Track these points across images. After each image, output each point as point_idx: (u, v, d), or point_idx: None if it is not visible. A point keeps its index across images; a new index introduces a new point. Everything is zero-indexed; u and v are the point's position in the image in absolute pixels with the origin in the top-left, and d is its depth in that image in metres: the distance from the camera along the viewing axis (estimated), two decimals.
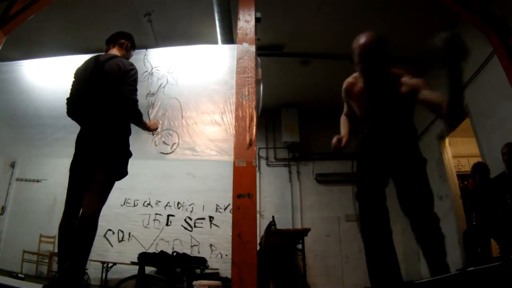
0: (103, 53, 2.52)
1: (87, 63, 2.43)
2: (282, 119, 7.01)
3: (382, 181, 2.26)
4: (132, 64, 2.39)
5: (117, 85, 2.29)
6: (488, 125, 4.29)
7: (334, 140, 2.33)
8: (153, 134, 2.75)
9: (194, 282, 3.83)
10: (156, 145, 2.77)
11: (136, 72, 2.37)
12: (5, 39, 3.35)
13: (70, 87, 2.41)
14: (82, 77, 2.36)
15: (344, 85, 2.42)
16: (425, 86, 2.13)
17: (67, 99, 2.39)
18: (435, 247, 2.07)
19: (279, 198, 6.77)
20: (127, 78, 2.30)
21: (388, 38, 2.21)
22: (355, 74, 2.37)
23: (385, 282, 2.07)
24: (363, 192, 2.28)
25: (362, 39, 2.15)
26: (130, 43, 2.60)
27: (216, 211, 6.60)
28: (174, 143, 2.77)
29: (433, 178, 5.30)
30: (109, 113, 2.27)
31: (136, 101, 2.34)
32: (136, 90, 2.35)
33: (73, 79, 2.43)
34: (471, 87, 4.58)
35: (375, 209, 2.20)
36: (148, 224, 6.46)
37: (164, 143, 2.77)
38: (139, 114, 2.39)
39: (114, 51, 2.50)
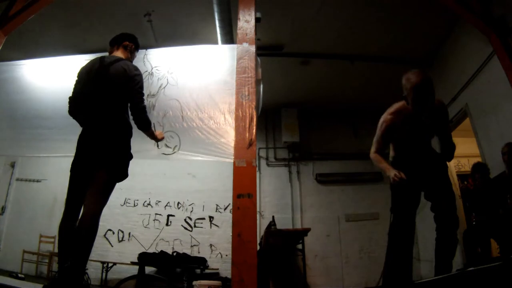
0: (107, 55, 2.53)
1: (91, 63, 2.43)
2: (282, 119, 7.00)
3: (416, 196, 2.51)
4: (137, 69, 2.40)
5: (121, 88, 2.30)
6: (488, 125, 4.29)
7: (394, 176, 2.35)
8: (158, 146, 2.76)
9: (194, 282, 3.84)
10: (158, 148, 2.78)
11: (141, 78, 2.39)
12: (5, 39, 3.36)
13: (73, 86, 2.42)
14: (86, 78, 2.37)
15: (386, 124, 2.46)
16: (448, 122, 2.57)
17: (70, 98, 2.40)
18: (453, 251, 2.33)
19: (279, 198, 6.77)
20: (134, 85, 2.31)
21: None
22: (395, 108, 2.46)
23: (397, 284, 2.34)
24: (401, 205, 2.48)
25: (415, 77, 2.24)
26: (134, 45, 2.61)
27: (216, 211, 6.60)
28: (176, 146, 2.77)
29: None
30: (112, 115, 2.27)
31: (145, 108, 2.36)
32: (143, 96, 2.37)
33: (77, 79, 2.43)
34: (471, 87, 4.58)
35: (410, 223, 2.46)
36: (148, 224, 6.46)
37: (166, 146, 2.78)
38: (148, 123, 2.41)
39: (119, 53, 2.51)
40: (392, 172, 2.36)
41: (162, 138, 2.64)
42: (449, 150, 2.52)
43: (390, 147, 2.69)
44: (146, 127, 2.41)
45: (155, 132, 2.56)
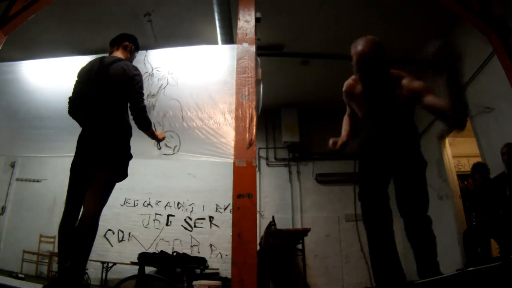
0: (107, 55, 2.53)
1: (91, 64, 2.44)
2: (282, 119, 7.01)
3: (384, 181, 2.27)
4: (136, 69, 2.41)
5: (121, 89, 2.30)
6: (488, 125, 4.29)
7: (330, 142, 2.42)
8: (159, 147, 2.76)
9: (194, 282, 3.83)
10: (159, 149, 2.78)
11: (141, 78, 2.39)
12: (5, 39, 3.36)
13: (73, 86, 2.42)
14: (86, 78, 2.37)
15: (344, 87, 2.43)
16: (428, 90, 2.13)
17: (70, 98, 2.40)
18: (426, 248, 2.10)
19: (279, 198, 6.77)
20: (134, 85, 2.31)
21: (382, 42, 2.23)
22: (355, 76, 2.36)
23: (389, 280, 2.10)
24: (366, 191, 2.28)
25: (358, 47, 2.16)
26: (134, 45, 2.61)
27: (216, 211, 6.60)
28: (176, 146, 2.78)
29: (433, 178, 5.33)
30: (111, 115, 2.27)
31: (145, 108, 2.37)
32: (143, 96, 2.37)
33: (77, 79, 2.44)
34: (471, 87, 4.58)
35: (379, 209, 2.21)
36: (148, 224, 6.46)
37: (166, 146, 2.78)
38: (149, 122, 2.41)
39: (118, 54, 2.51)
40: (331, 140, 2.41)
41: (163, 138, 2.64)
42: (441, 111, 2.03)
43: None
44: (146, 127, 2.41)
45: (155, 132, 2.56)
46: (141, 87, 2.36)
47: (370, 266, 2.28)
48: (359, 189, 2.33)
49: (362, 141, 2.45)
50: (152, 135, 2.52)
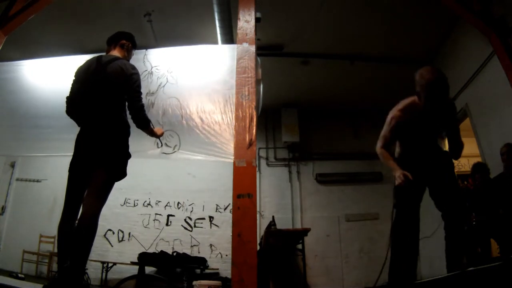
0: (104, 54, 2.52)
1: (89, 63, 2.43)
2: (282, 119, 7.00)
3: (419, 192, 2.48)
4: (134, 68, 2.40)
5: (118, 88, 2.30)
6: (488, 125, 4.29)
7: (400, 177, 2.28)
8: (160, 142, 2.75)
9: (194, 282, 3.83)
10: (158, 147, 2.78)
11: (139, 76, 2.38)
12: (5, 39, 3.36)
13: (70, 86, 2.42)
14: (84, 77, 2.36)
15: (396, 119, 2.42)
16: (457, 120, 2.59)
17: (67, 97, 2.39)
18: (460, 247, 2.32)
19: (279, 198, 6.77)
20: (132, 84, 2.31)
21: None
22: (404, 105, 2.42)
23: (403, 279, 2.31)
24: (403, 200, 2.42)
25: (431, 74, 2.22)
26: (131, 44, 2.60)
27: (216, 211, 6.60)
28: (176, 145, 2.77)
29: None
30: (109, 114, 2.27)
31: (143, 107, 2.36)
32: (141, 94, 2.37)
33: (74, 78, 2.43)
34: (471, 87, 4.58)
35: (412, 217, 2.41)
36: (148, 224, 6.46)
37: (166, 145, 2.77)
38: (147, 121, 2.40)
39: (115, 52, 2.50)
40: (398, 172, 2.29)
41: (162, 134, 2.62)
42: (457, 148, 2.47)
43: (396, 144, 2.63)
44: (145, 126, 2.41)
45: (154, 129, 2.54)
46: (139, 86, 2.35)
47: (389, 267, 2.42)
48: (396, 198, 2.46)
49: (399, 159, 2.55)
50: (151, 133, 2.50)
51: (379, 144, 2.50)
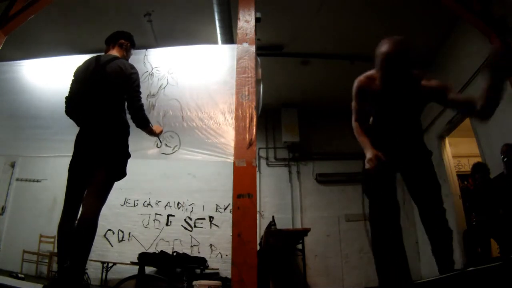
0: (103, 54, 2.52)
1: (87, 63, 2.43)
2: (282, 119, 7.00)
3: (392, 176, 2.25)
4: (133, 67, 2.39)
5: (118, 87, 2.30)
6: (488, 125, 4.29)
7: (373, 159, 2.05)
8: (160, 142, 2.75)
9: (194, 282, 3.84)
10: (158, 147, 2.78)
11: (138, 76, 2.38)
12: (5, 39, 3.36)
13: (69, 86, 2.42)
14: (83, 77, 2.36)
15: (357, 84, 2.29)
16: (451, 88, 2.19)
17: (66, 98, 2.39)
18: (444, 240, 2.13)
19: (279, 198, 6.76)
20: (131, 83, 2.31)
21: (410, 42, 2.18)
22: (369, 73, 2.27)
23: (393, 280, 2.07)
24: (374, 186, 2.23)
25: (387, 46, 2.08)
26: (129, 43, 2.60)
27: (216, 211, 6.59)
28: (176, 146, 2.77)
29: None
30: (109, 114, 2.27)
31: (142, 106, 2.36)
32: (140, 94, 2.37)
33: (73, 79, 2.43)
34: (471, 87, 4.58)
35: (388, 203, 2.18)
36: (148, 224, 6.46)
37: (166, 145, 2.77)
38: (146, 121, 2.40)
39: (114, 52, 2.50)
40: (369, 153, 2.09)
41: (161, 132, 2.62)
42: (474, 105, 2.08)
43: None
44: (144, 125, 2.41)
45: (152, 128, 2.53)
46: (138, 86, 2.35)
47: (375, 267, 2.22)
48: (365, 185, 2.27)
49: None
50: (150, 132, 2.50)
51: (353, 117, 2.37)
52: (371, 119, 2.40)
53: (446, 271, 2.02)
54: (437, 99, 2.20)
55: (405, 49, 2.06)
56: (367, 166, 2.09)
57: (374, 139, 2.23)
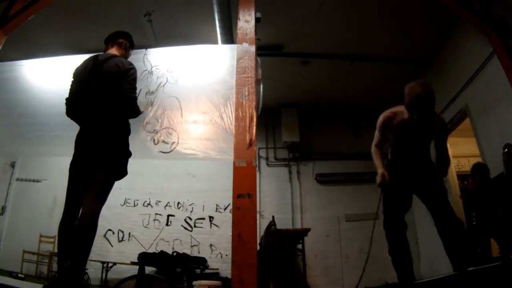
0: (101, 53, 2.52)
1: (86, 63, 2.43)
2: (282, 119, 7.00)
3: (407, 205, 2.64)
4: (131, 64, 2.39)
5: (116, 85, 2.29)
6: (488, 125, 4.29)
7: (380, 176, 2.58)
8: (154, 142, 2.74)
9: (194, 282, 3.84)
10: (155, 144, 2.76)
11: (135, 71, 2.37)
12: (5, 39, 3.36)
13: (69, 87, 2.41)
14: (81, 77, 2.36)
15: (383, 118, 2.62)
16: (447, 137, 2.75)
17: (66, 99, 2.39)
18: (463, 247, 2.40)
19: (279, 198, 6.76)
20: (127, 77, 2.30)
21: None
22: (394, 109, 2.60)
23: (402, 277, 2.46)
24: (391, 221, 2.60)
25: (419, 89, 2.35)
26: (128, 43, 2.60)
27: (216, 211, 6.59)
28: (174, 142, 2.75)
29: None
30: (108, 113, 2.26)
31: (135, 99, 2.35)
32: (135, 88, 2.35)
33: (72, 79, 2.42)
34: (471, 87, 4.58)
35: (401, 234, 2.56)
36: (148, 224, 6.46)
37: (164, 142, 2.75)
38: (138, 112, 2.40)
39: (113, 51, 2.50)
40: (379, 171, 2.56)
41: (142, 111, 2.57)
42: (443, 162, 2.65)
43: (389, 152, 2.82)
44: (134, 116, 2.41)
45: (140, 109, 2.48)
46: (134, 80, 2.34)
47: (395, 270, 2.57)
48: (383, 204, 2.67)
49: (387, 164, 2.71)
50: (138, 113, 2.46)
51: (373, 142, 2.75)
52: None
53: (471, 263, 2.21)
54: (436, 137, 2.65)
55: (433, 92, 2.37)
56: (377, 181, 2.61)
57: (392, 164, 2.68)
